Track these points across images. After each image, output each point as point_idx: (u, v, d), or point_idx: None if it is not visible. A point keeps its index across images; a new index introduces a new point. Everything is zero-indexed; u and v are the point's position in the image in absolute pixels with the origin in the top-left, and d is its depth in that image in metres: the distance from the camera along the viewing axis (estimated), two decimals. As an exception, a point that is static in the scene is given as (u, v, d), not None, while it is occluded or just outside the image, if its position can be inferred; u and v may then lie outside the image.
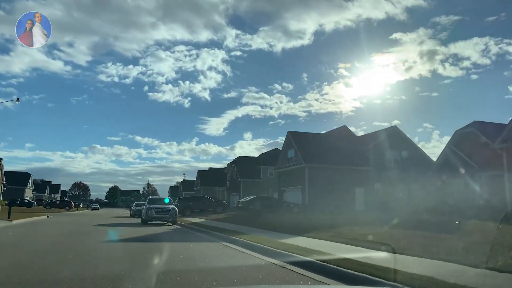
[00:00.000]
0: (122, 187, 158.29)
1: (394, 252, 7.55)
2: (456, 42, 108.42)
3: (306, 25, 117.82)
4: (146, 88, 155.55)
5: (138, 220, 28.14)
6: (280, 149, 44.99)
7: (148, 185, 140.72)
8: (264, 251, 9.46)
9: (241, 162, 59.32)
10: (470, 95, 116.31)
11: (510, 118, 20.17)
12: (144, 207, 23.72)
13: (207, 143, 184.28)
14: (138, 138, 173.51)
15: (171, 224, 22.89)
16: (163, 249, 10.75)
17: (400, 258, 7.11)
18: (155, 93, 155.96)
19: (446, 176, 25.61)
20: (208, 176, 76.13)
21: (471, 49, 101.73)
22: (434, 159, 36.16)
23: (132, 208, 36.47)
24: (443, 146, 34.76)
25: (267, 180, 54.61)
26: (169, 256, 9.33)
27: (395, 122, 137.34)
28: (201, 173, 78.78)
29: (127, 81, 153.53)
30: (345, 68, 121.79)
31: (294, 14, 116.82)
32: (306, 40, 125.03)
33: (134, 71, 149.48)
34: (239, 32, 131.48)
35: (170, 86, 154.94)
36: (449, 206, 24.66)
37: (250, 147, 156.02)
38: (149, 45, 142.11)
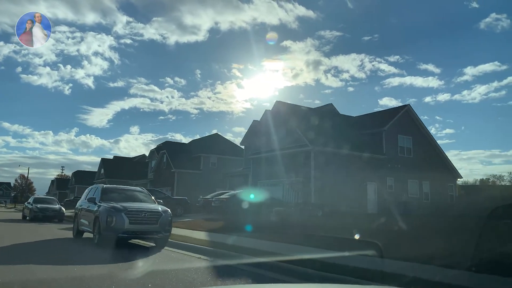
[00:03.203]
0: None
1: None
2: (338, 56, 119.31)
3: (201, 21, 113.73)
4: (19, 69, 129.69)
5: (43, 227, 15.48)
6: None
7: (22, 176, 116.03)
8: None
9: (172, 148, 46.36)
10: (347, 105, 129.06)
11: None
12: (95, 205, 10.87)
13: (88, 135, 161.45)
14: (6, 124, 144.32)
15: (154, 244, 10.68)
16: None
17: None
18: (30, 76, 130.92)
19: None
20: (115, 166, 60.82)
21: (349, 63, 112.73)
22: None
23: (30, 206, 21.91)
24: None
25: (209, 172, 42.92)
26: None
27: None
28: (105, 162, 62.89)
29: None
30: (238, 69, 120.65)
31: (190, 8, 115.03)
32: (201, 37, 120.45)
33: (5, 49, 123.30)
34: (130, 19, 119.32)
35: (48, 69, 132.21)
36: None
37: (137, 141, 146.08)
38: (24, 21, 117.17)
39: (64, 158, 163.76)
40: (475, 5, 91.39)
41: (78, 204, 13.00)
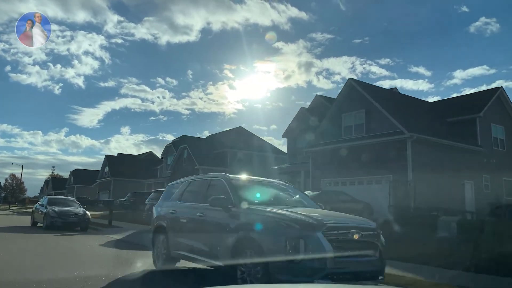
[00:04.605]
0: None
1: None
2: (329, 58, 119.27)
3: (193, 21, 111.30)
4: (8, 68, 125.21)
5: (74, 242, 10.99)
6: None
7: (13, 176, 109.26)
8: None
9: (192, 143, 40.84)
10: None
11: None
12: (226, 212, 5.48)
13: (78, 135, 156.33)
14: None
15: None
16: None
17: None
18: (19, 75, 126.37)
19: None
20: (120, 164, 55.02)
21: (341, 66, 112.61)
22: None
23: (45, 209, 16.17)
24: None
25: (236, 169, 37.28)
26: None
27: (273, 127, 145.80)
28: (110, 159, 57.03)
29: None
30: (230, 70, 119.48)
31: (182, 8, 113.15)
32: (192, 37, 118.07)
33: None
34: (121, 18, 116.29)
35: (37, 68, 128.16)
36: None
37: (128, 142, 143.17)
38: (13, 19, 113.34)
39: (54, 158, 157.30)
40: (465, 9, 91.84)
41: (161, 209, 7.51)
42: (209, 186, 6.51)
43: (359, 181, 20.70)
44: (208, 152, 38.85)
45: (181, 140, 43.17)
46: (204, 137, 47.88)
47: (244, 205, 5.45)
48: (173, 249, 6.67)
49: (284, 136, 30.26)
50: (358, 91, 21.52)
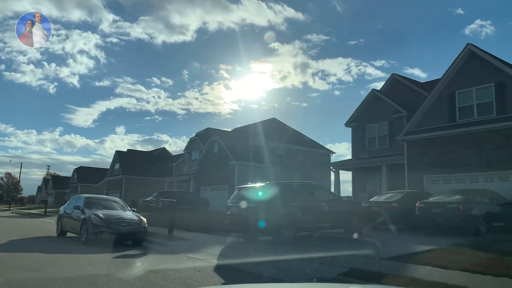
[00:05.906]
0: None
1: None
2: (324, 59, 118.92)
3: (189, 20, 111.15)
4: (2, 66, 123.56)
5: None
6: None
7: (8, 175, 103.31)
8: None
9: (222, 136, 35.64)
10: (333, 108, 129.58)
11: None
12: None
13: (73, 134, 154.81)
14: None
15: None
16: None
17: None
18: (13, 73, 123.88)
19: None
20: (132, 161, 49.75)
21: (336, 67, 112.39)
22: None
23: (83, 215, 10.90)
24: None
25: (275, 165, 32.11)
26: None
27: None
28: (121, 155, 51.62)
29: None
30: (226, 70, 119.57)
31: (178, 7, 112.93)
32: (188, 37, 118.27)
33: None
34: (117, 17, 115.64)
35: (32, 66, 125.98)
36: None
37: (123, 142, 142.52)
38: (7, 17, 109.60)
39: (48, 157, 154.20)
40: (460, 11, 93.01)
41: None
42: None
43: (473, 178, 15.70)
44: (242, 146, 33.64)
45: (207, 133, 37.98)
46: (230, 130, 42.70)
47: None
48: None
49: (347, 125, 25.12)
50: (481, 59, 16.45)
